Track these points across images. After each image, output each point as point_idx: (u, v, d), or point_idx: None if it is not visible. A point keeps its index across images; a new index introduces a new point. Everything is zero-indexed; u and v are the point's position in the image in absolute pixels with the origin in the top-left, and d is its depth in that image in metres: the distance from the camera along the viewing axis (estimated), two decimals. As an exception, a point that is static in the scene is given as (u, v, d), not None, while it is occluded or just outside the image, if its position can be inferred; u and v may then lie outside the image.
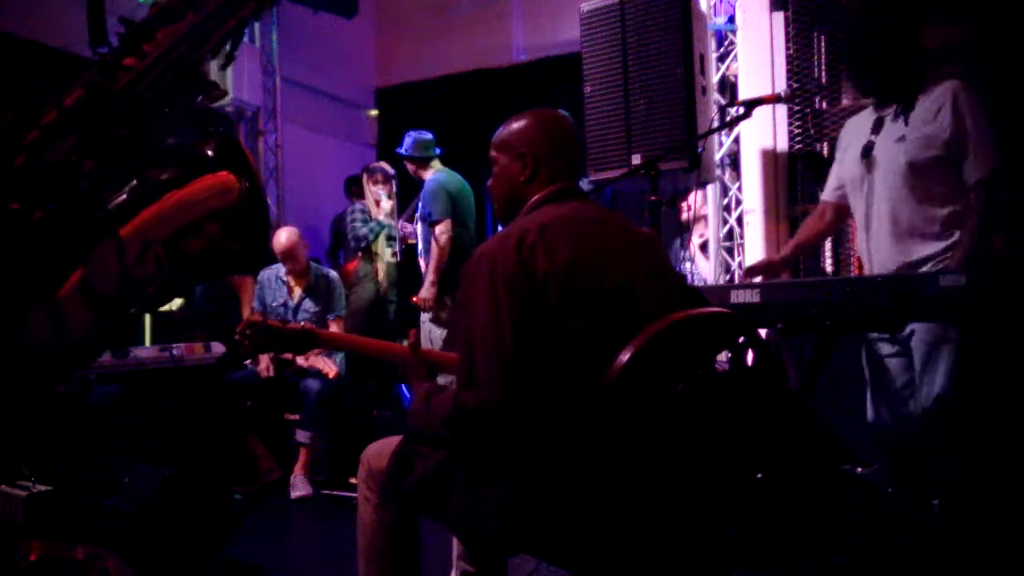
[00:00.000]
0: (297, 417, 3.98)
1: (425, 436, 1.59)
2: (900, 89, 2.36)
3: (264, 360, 4.03)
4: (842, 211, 2.65)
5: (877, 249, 2.39)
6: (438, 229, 4.23)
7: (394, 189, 5.10)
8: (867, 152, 2.40)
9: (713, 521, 1.54)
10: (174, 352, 3.64)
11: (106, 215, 1.19)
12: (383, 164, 5.31)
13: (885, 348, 2.43)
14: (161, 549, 2.49)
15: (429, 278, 4.25)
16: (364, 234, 5.20)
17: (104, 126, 1.16)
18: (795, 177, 3.93)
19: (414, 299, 4.54)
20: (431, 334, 4.27)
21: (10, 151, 1.14)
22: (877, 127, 2.40)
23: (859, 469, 2.68)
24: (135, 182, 1.21)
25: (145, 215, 1.21)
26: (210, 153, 1.25)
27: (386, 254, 5.23)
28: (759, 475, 2.03)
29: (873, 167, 2.39)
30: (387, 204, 5.08)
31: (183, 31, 1.20)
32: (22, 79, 4.14)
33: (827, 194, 2.65)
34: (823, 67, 3.91)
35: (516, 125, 1.70)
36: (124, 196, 1.21)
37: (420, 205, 4.45)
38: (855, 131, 2.52)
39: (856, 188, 2.46)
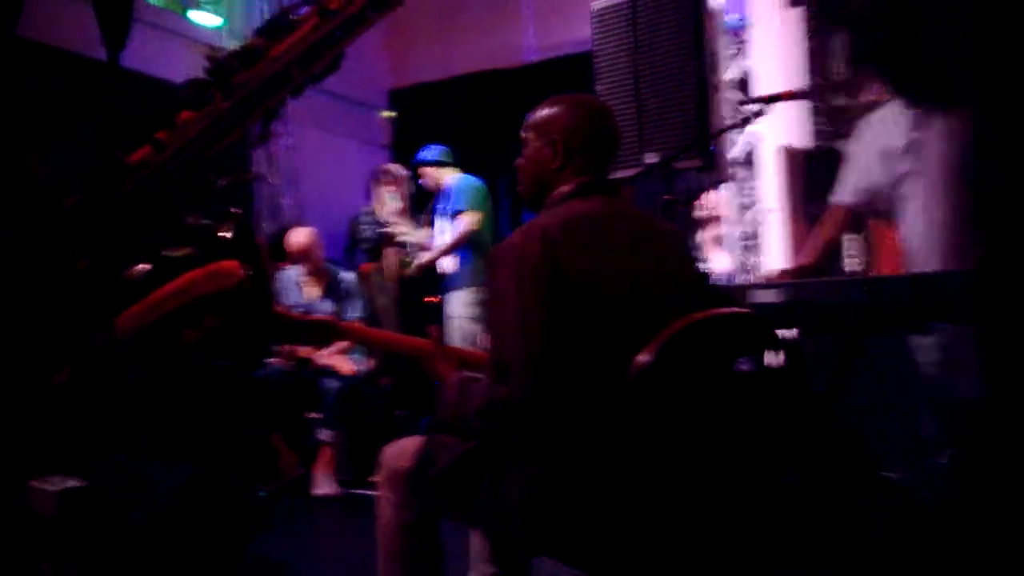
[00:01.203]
0: (318, 415, 4.00)
1: (457, 426, 1.59)
2: (934, 89, 2.33)
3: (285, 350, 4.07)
4: (858, 215, 2.63)
5: (935, 246, 2.33)
6: (467, 218, 4.24)
7: (405, 191, 5.10)
8: (914, 148, 2.35)
9: (736, 527, 1.54)
10: (196, 352, 3.66)
11: (100, 305, 1.17)
12: (392, 166, 5.31)
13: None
14: (186, 546, 2.51)
15: (436, 251, 4.36)
16: (368, 236, 5.24)
17: (104, 227, 1.16)
18: (813, 175, 3.90)
19: (427, 299, 4.55)
20: (463, 330, 4.25)
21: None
22: (918, 124, 2.36)
23: (891, 474, 2.65)
24: (145, 265, 1.19)
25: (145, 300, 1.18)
26: (227, 236, 1.24)
27: (400, 254, 5.23)
28: (784, 479, 2.02)
29: (926, 163, 2.33)
30: (393, 206, 5.08)
31: (204, 124, 1.17)
32: (21, 80, 4.12)
33: (847, 195, 2.60)
34: (842, 62, 3.87)
35: (553, 109, 1.67)
36: (138, 274, 1.19)
37: (449, 203, 4.45)
38: (883, 129, 2.48)
39: (903, 185, 2.41)
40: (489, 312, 1.56)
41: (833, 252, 3.21)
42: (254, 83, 1.17)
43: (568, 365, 1.45)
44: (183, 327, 1.17)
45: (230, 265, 1.21)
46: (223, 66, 1.16)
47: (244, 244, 1.22)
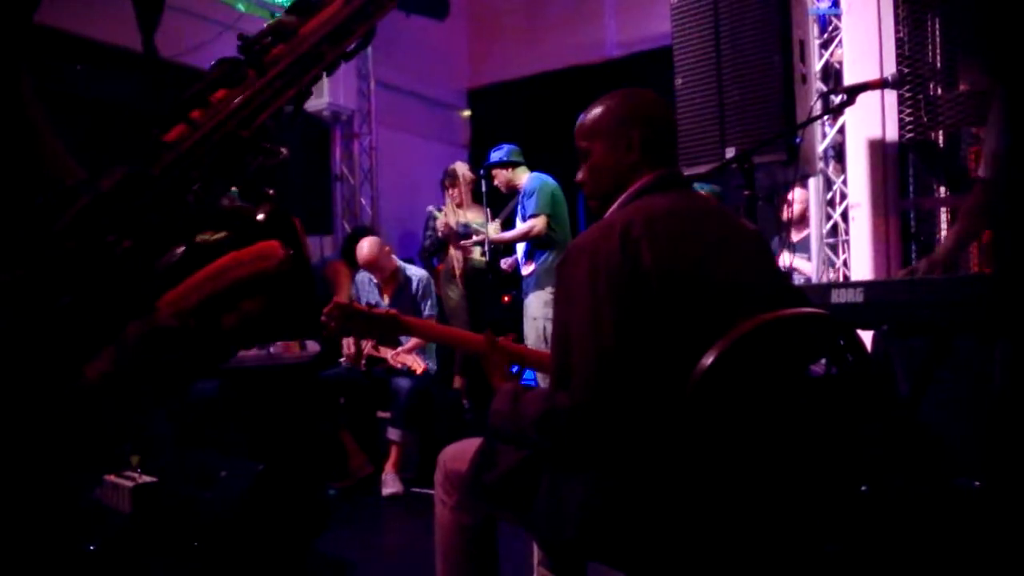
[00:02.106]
0: (388, 415, 4.03)
1: (510, 436, 1.54)
2: None
3: (347, 344, 4.11)
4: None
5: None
6: (533, 222, 4.25)
7: (467, 191, 5.09)
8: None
9: (808, 537, 1.43)
10: (271, 350, 3.75)
11: (142, 291, 1.15)
12: (456, 166, 5.30)
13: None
14: (254, 542, 2.54)
15: (507, 234, 4.46)
16: (427, 246, 5.29)
17: (143, 208, 1.12)
18: (906, 169, 3.69)
19: (506, 299, 4.53)
20: (546, 332, 4.22)
21: (41, 238, 1.11)
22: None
23: (977, 483, 2.47)
24: (181, 248, 1.17)
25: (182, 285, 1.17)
26: (261, 218, 1.21)
27: (475, 252, 5.22)
28: (863, 488, 1.89)
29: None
30: (453, 207, 5.08)
31: (238, 103, 1.15)
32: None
33: (986, 171, 2.40)
34: (937, 51, 3.67)
35: (609, 106, 1.58)
36: (174, 258, 1.17)
37: (521, 206, 4.43)
38: (994, 128, 2.31)
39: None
40: (557, 310, 1.47)
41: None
42: (287, 60, 1.14)
43: (639, 369, 1.37)
44: (221, 312, 1.14)
45: (270, 246, 1.17)
46: (255, 44, 1.13)
47: (281, 226, 1.18)
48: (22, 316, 1.06)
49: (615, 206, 1.56)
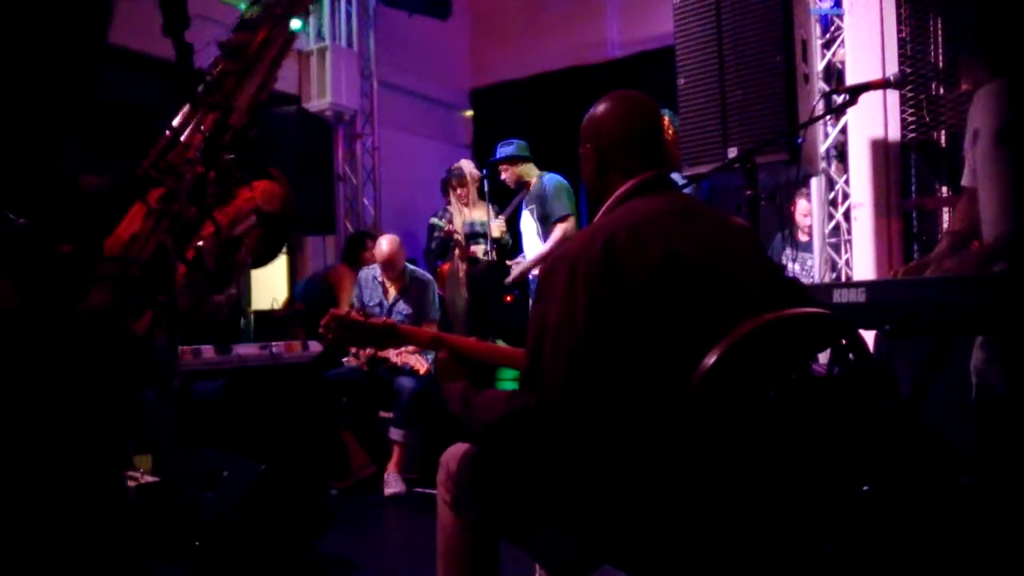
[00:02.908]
0: (390, 415, 4.03)
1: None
2: None
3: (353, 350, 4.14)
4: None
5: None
6: (565, 225, 4.21)
7: (472, 189, 5.08)
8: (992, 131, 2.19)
9: (809, 539, 1.43)
10: (273, 350, 3.75)
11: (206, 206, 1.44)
12: (461, 164, 5.28)
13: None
14: (256, 542, 2.55)
15: (532, 259, 4.33)
16: (433, 248, 5.29)
17: (222, 149, 1.43)
18: (908, 168, 3.69)
19: (508, 298, 4.52)
20: None
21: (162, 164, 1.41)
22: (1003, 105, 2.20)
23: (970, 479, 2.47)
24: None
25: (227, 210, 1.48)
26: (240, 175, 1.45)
27: (479, 252, 5.20)
28: (865, 488, 1.89)
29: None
30: (458, 206, 5.08)
31: (279, 45, 1.55)
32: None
33: (966, 179, 2.43)
34: (939, 50, 3.67)
35: (598, 111, 1.61)
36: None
37: (539, 204, 4.39)
38: (972, 113, 2.32)
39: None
40: (534, 312, 1.47)
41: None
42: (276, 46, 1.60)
43: (616, 372, 1.37)
44: (246, 235, 1.38)
45: (277, 188, 1.50)
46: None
47: (263, 175, 1.44)
48: None
49: (602, 211, 1.58)
